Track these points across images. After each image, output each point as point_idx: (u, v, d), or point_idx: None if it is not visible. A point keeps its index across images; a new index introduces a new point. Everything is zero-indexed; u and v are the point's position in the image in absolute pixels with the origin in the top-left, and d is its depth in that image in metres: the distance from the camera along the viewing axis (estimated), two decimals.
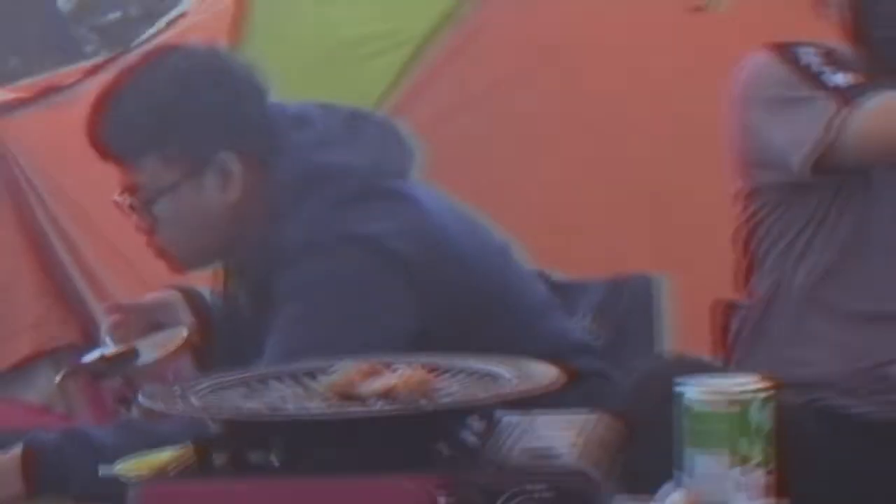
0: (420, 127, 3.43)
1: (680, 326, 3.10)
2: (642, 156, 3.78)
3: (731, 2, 3.83)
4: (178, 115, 2.57)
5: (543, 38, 4.01)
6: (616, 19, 4.01)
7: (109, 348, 2.68)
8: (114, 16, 10.53)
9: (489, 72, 3.97)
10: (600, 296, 2.98)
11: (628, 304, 2.99)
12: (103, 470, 2.10)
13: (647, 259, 3.20)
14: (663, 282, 3.02)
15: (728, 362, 2.78)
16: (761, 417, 1.98)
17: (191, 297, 2.78)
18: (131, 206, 2.60)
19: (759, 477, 1.96)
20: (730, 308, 2.87)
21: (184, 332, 2.69)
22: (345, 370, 1.90)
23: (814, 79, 2.70)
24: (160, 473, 1.82)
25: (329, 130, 2.64)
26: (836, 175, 2.67)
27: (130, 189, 2.59)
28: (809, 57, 2.74)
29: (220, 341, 2.72)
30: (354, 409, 1.77)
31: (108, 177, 2.65)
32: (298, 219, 2.54)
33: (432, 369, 1.94)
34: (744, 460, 1.95)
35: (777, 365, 2.63)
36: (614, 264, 3.13)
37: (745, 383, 2.01)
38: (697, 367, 2.22)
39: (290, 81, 3.40)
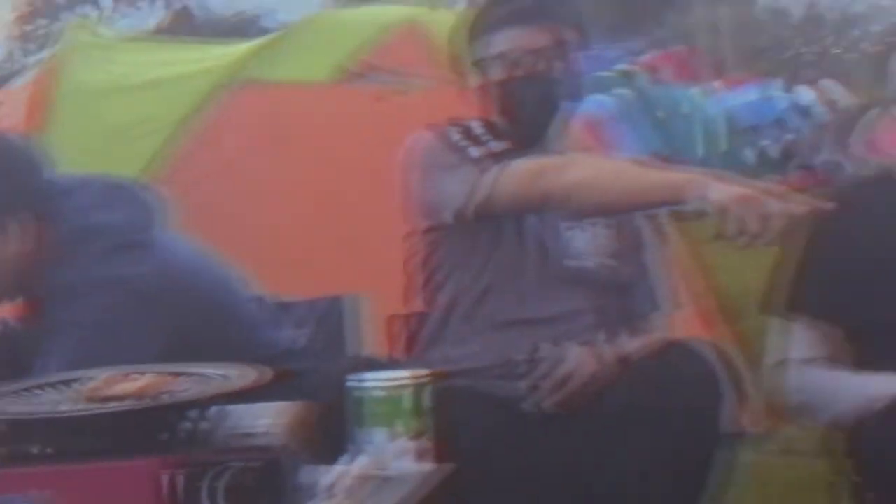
0: (181, 188, 3.43)
1: (377, 334, 3.09)
2: (349, 205, 3.83)
3: (408, 93, 3.92)
4: None
5: (274, 119, 4.03)
6: (327, 106, 4.05)
7: None
8: None
9: (234, 145, 3.96)
10: (317, 312, 2.99)
11: (338, 318, 3.00)
12: None
13: (354, 282, 3.20)
14: (366, 300, 3.04)
15: (404, 361, 2.76)
16: (416, 400, 2.00)
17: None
18: None
19: (416, 446, 1.96)
20: (406, 319, 2.89)
21: None
22: (99, 378, 1.88)
23: (462, 151, 2.74)
24: None
25: (95, 196, 2.62)
26: (485, 221, 2.69)
27: None
28: (457, 134, 2.78)
29: (20, 360, 2.66)
30: (85, 408, 1.75)
31: None
32: (75, 266, 2.51)
33: (173, 374, 1.93)
34: (402, 434, 1.96)
35: (449, 360, 2.67)
36: (330, 287, 3.12)
37: (402, 375, 2.03)
38: (376, 365, 2.22)
39: (81, 158, 3.37)
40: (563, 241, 2.76)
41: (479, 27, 2.79)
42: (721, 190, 2.27)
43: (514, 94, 2.75)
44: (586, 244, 2.78)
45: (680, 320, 3.00)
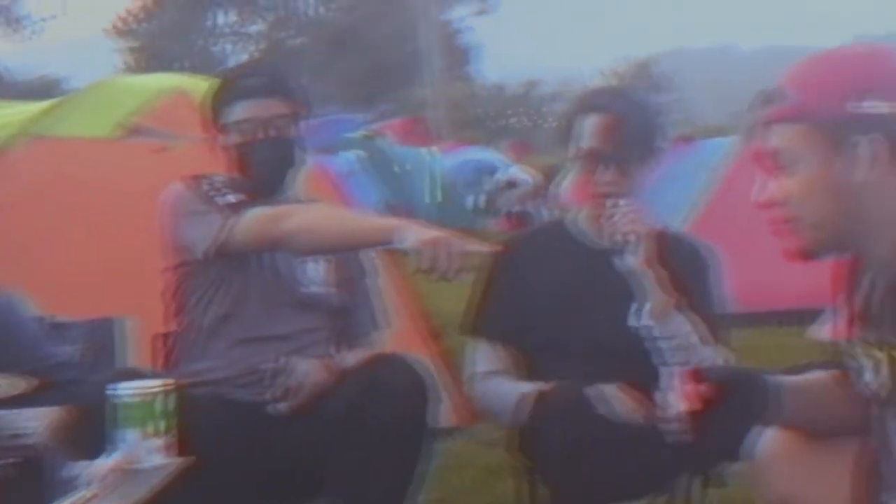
0: None
1: (145, 351, 3.01)
2: (121, 242, 3.74)
3: (174, 149, 3.87)
4: None
5: (61, 167, 3.91)
6: (107, 157, 3.96)
7: None
8: None
9: (25, 190, 3.81)
10: (90, 331, 2.90)
11: (109, 336, 2.91)
12: None
13: (124, 306, 3.10)
14: (133, 321, 2.95)
15: (163, 372, 2.68)
16: (164, 405, 1.96)
17: None
18: None
19: (164, 443, 1.94)
20: (165, 338, 2.83)
21: None
22: None
23: (209, 200, 2.70)
24: None
25: None
26: (230, 257, 2.65)
27: None
28: (206, 185, 2.74)
29: None
30: None
31: None
32: None
33: None
34: (151, 433, 1.93)
35: (199, 373, 2.63)
36: (102, 310, 3.02)
37: (152, 384, 1.99)
38: (139, 376, 2.15)
39: None
40: (297, 272, 2.75)
41: (223, 98, 2.77)
42: (417, 233, 2.31)
43: (250, 154, 2.73)
44: (316, 274, 2.77)
45: (396, 338, 3.01)
